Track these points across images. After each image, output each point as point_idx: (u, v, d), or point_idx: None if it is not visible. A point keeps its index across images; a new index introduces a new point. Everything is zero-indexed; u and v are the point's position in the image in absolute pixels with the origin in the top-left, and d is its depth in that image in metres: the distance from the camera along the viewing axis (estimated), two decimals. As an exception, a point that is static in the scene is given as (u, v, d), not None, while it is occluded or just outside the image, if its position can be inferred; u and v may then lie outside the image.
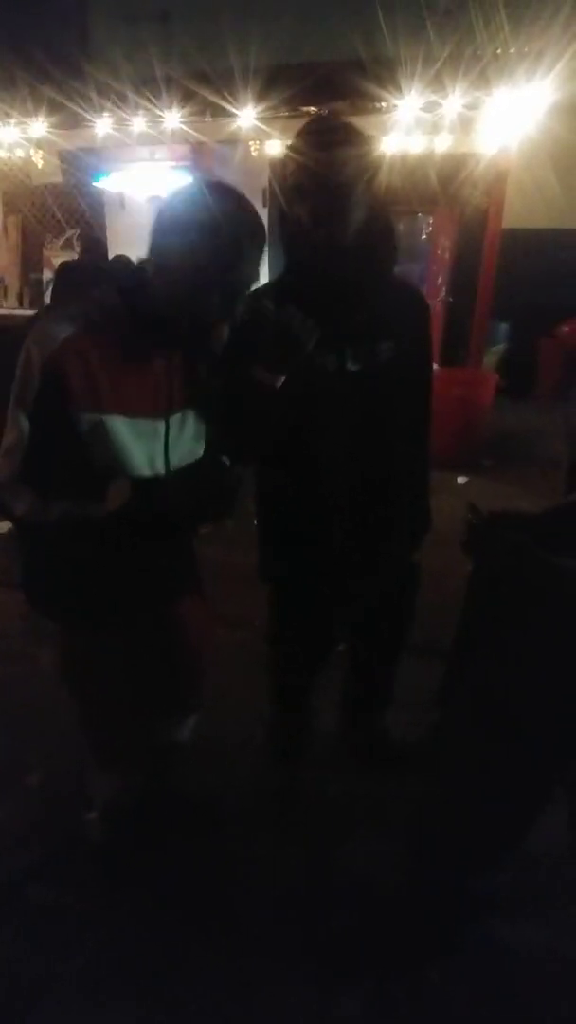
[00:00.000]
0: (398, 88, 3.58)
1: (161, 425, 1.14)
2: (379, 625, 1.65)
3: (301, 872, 1.59)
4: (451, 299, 6.88)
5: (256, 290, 1.27)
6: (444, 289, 6.93)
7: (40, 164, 5.24)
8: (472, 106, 3.88)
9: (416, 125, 4.16)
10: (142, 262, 1.08)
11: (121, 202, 6.94)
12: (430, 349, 1.42)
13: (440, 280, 7.01)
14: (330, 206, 1.16)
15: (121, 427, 1.07)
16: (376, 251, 1.25)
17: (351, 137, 1.16)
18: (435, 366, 5.06)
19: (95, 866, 1.52)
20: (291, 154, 1.17)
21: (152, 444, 1.14)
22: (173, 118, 3.97)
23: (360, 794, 1.81)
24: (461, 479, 4.42)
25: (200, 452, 1.22)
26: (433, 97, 3.63)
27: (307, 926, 1.46)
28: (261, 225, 1.02)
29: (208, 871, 1.59)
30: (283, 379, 1.17)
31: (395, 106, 3.78)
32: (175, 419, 1.15)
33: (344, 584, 1.46)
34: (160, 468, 1.15)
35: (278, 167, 6.08)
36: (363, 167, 1.16)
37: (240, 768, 1.90)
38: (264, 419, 1.21)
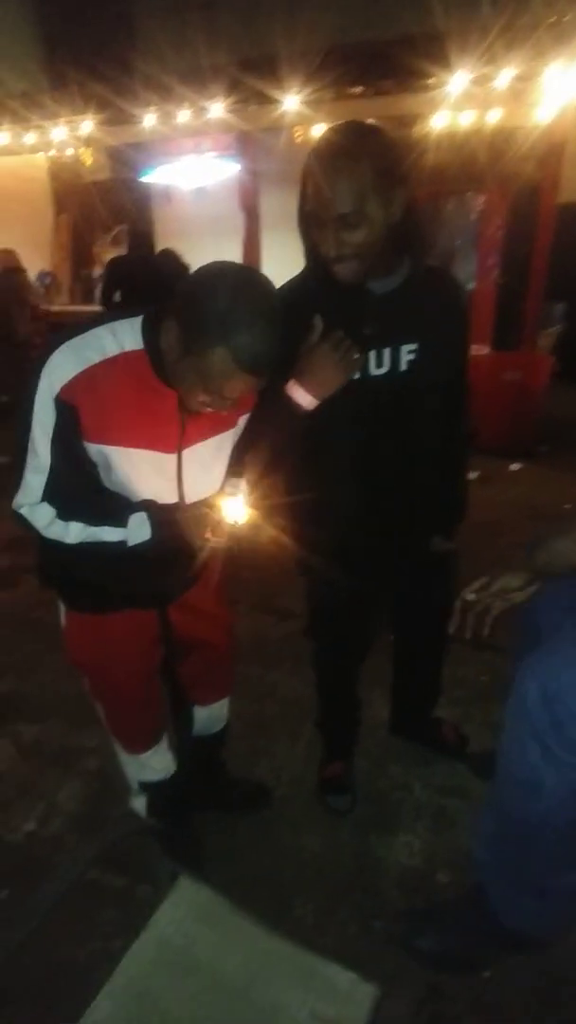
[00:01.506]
0: (448, 63, 3.46)
1: (172, 459, 1.14)
2: (417, 614, 1.63)
3: (351, 864, 1.59)
4: (503, 280, 6.66)
5: (283, 286, 1.26)
6: (496, 270, 6.71)
7: (89, 162, 5.33)
8: (525, 77, 3.72)
9: (466, 100, 4.02)
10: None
11: (167, 195, 7.00)
12: (463, 337, 1.36)
13: (491, 260, 6.79)
14: (342, 239, 1.10)
15: (126, 459, 1.09)
16: (404, 250, 1.18)
17: (366, 153, 1.05)
18: (487, 350, 4.93)
19: (153, 850, 1.55)
20: (306, 173, 1.09)
21: (162, 477, 1.15)
22: (218, 108, 3.96)
23: (409, 787, 1.79)
24: (514, 466, 4.29)
25: (217, 486, 1.22)
26: (485, 70, 3.50)
27: (359, 919, 1.45)
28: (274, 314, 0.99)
29: (259, 861, 1.60)
30: (317, 403, 1.16)
31: (445, 81, 3.65)
32: (189, 453, 1.15)
33: (374, 575, 1.45)
34: (173, 499, 1.17)
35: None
36: (382, 182, 1.06)
37: (290, 759, 1.90)
38: (293, 438, 1.21)
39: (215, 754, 1.72)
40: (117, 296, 4.31)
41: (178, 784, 1.56)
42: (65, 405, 1.01)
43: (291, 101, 3.80)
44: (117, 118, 4.17)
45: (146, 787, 1.54)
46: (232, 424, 1.22)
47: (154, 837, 1.44)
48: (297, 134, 4.71)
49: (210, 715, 1.62)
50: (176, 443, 1.13)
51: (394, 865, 1.57)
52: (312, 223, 1.12)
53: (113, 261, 4.45)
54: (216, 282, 0.97)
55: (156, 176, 6.47)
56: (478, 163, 5.67)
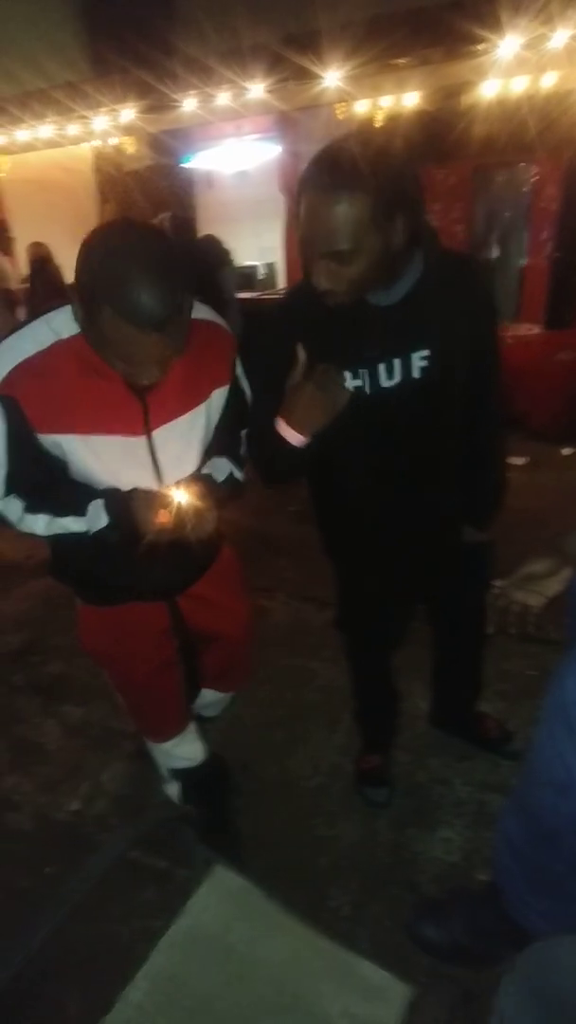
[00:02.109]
0: (500, 26, 3.28)
1: (142, 441, 1.12)
2: (452, 607, 1.59)
3: (388, 857, 1.58)
4: (557, 255, 6.37)
5: (286, 294, 1.26)
6: (549, 244, 6.42)
7: (131, 151, 5.35)
8: (582, 36, 3.50)
9: (518, 65, 3.82)
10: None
11: (209, 180, 6.97)
12: (488, 327, 1.24)
13: (544, 234, 6.50)
14: (333, 272, 1.02)
15: (87, 447, 1.07)
16: (398, 267, 1.07)
17: (364, 184, 0.94)
18: (539, 329, 4.74)
19: (189, 836, 1.58)
20: (299, 193, 1.00)
21: (136, 461, 1.12)
22: (258, 88, 3.89)
23: (449, 781, 1.76)
24: (566, 451, 4.12)
25: (195, 464, 1.21)
26: (540, 31, 3.31)
27: (395, 914, 1.44)
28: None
29: (295, 850, 1.60)
30: (306, 441, 1.13)
31: (496, 46, 3.48)
32: (161, 434, 1.13)
33: (403, 570, 1.41)
34: (152, 485, 1.14)
35: (365, 131, 5.86)
36: (382, 213, 0.96)
37: (328, 749, 1.90)
38: (293, 465, 1.19)
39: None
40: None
41: (210, 770, 1.58)
42: (7, 400, 1.01)
43: (333, 77, 3.70)
44: (158, 105, 4.16)
45: (177, 774, 1.57)
46: (204, 397, 1.18)
47: (190, 823, 1.46)
48: (340, 111, 4.60)
49: (212, 698, 1.64)
50: (142, 425, 1.10)
51: (432, 861, 1.55)
52: (304, 249, 1.04)
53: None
54: (93, 246, 0.93)
55: (197, 162, 6.45)
56: (530, 132, 5.42)
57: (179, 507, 1.08)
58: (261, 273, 6.24)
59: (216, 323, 1.22)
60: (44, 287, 4.14)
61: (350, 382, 1.15)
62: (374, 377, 1.15)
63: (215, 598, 1.41)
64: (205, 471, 1.25)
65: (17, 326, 1.07)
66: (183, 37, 3.56)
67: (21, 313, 4.56)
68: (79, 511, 1.09)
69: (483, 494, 1.44)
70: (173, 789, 1.60)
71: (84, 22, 3.63)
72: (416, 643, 2.34)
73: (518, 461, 4.02)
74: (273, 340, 1.20)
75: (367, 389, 1.15)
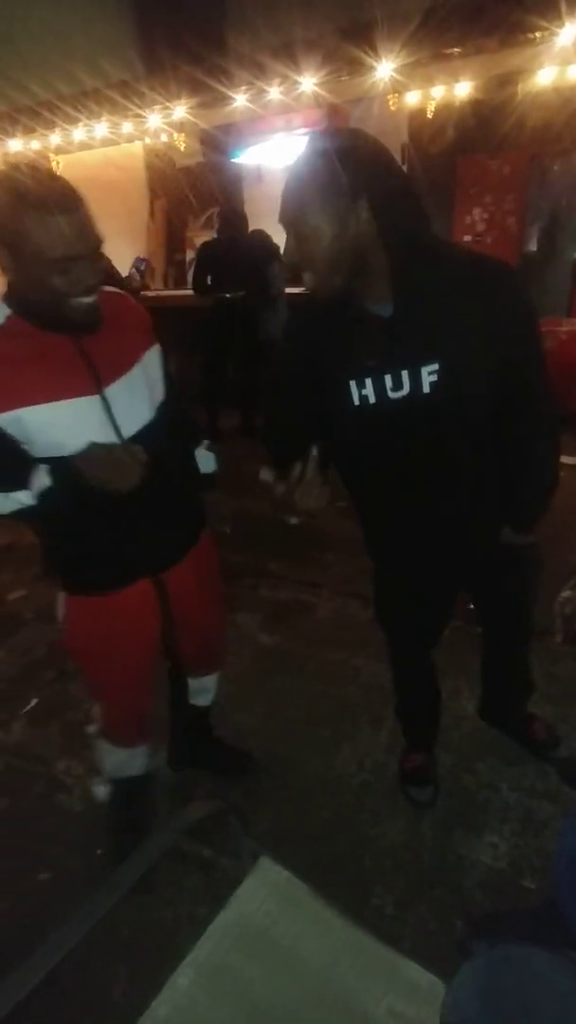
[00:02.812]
0: (559, 12, 3.18)
1: (97, 400, 1.15)
2: (496, 608, 1.57)
3: (432, 859, 1.56)
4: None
5: (298, 311, 1.24)
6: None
7: (182, 147, 5.41)
8: None
9: (575, 52, 3.69)
10: None
11: (258, 175, 6.99)
12: (520, 323, 1.12)
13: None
14: (298, 252, 1.03)
15: (48, 417, 1.10)
16: (395, 268, 1.03)
17: (314, 165, 0.97)
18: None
19: (235, 827, 1.60)
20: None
21: (95, 420, 1.16)
22: (309, 82, 3.87)
23: (496, 786, 1.73)
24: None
25: (150, 415, 1.24)
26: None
27: (440, 916, 1.43)
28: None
29: (339, 847, 1.61)
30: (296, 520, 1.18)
31: (554, 33, 3.37)
32: (114, 391, 1.17)
33: (441, 572, 1.41)
34: (113, 440, 1.18)
35: (417, 122, 5.76)
36: (330, 196, 0.96)
37: (373, 746, 1.89)
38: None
39: (199, 722, 1.76)
40: (208, 280, 4.37)
41: (144, 784, 1.60)
42: None
43: (386, 68, 3.65)
44: (209, 101, 4.19)
45: (117, 780, 1.58)
46: (137, 356, 1.24)
47: (237, 816, 1.48)
48: (392, 102, 4.54)
49: (199, 686, 1.65)
50: (95, 384, 1.15)
51: (477, 865, 1.53)
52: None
53: (204, 245, 4.50)
54: None
55: (247, 157, 6.47)
56: (591, 120, 5.23)
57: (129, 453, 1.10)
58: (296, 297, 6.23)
59: (123, 294, 1.31)
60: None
61: (356, 391, 1.12)
62: (380, 387, 1.11)
63: (199, 579, 1.43)
64: (196, 461, 1.42)
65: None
66: (235, 33, 3.57)
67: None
68: (25, 480, 1.11)
69: (523, 502, 1.37)
70: (101, 790, 1.62)
71: (138, 21, 3.68)
72: (462, 643, 2.31)
73: (570, 461, 3.90)
74: (289, 347, 1.26)
75: (372, 399, 1.11)
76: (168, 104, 4.33)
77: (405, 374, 1.09)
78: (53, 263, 1.04)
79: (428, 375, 1.08)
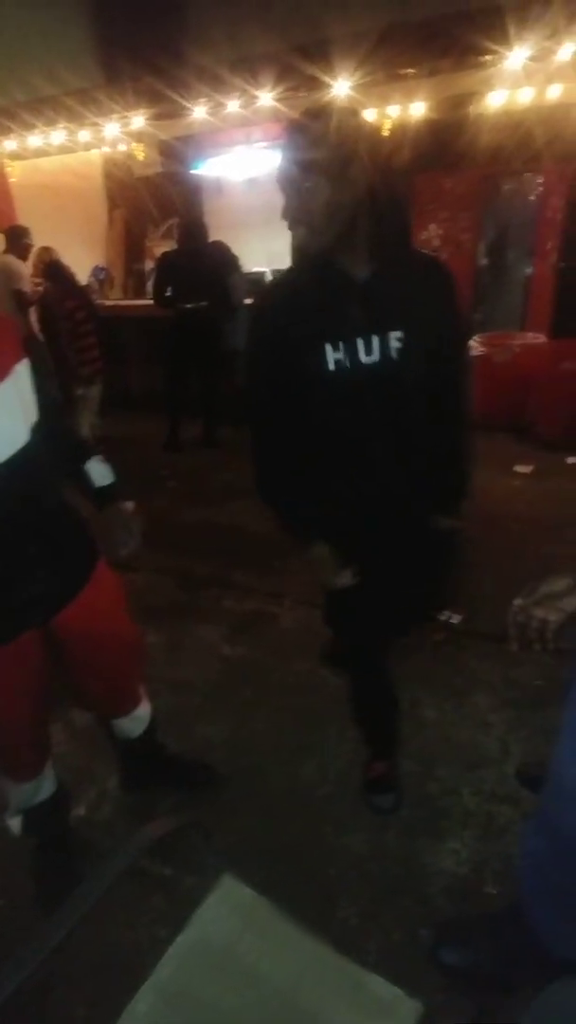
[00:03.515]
0: (508, 38, 3.31)
1: None
2: (414, 590, 1.59)
3: (397, 868, 1.56)
4: (563, 264, 6.38)
5: (272, 282, 1.30)
6: (555, 254, 6.44)
7: (141, 157, 5.39)
8: (591, 48, 3.52)
9: (525, 76, 3.84)
10: None
11: (218, 187, 7.01)
12: (451, 325, 1.31)
13: (550, 244, 6.52)
14: (299, 206, 1.12)
15: None
16: (374, 240, 1.17)
17: (316, 125, 1.09)
18: (544, 338, 4.73)
19: (198, 844, 1.57)
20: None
21: None
22: (268, 97, 3.92)
23: (458, 791, 1.75)
24: (572, 459, 4.11)
25: (25, 437, 1.13)
26: (546, 44, 3.33)
27: (405, 926, 1.43)
28: None
29: (304, 860, 1.59)
30: None
31: (504, 57, 3.50)
32: None
33: (374, 555, 1.44)
34: None
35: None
36: (334, 155, 1.08)
37: (337, 757, 1.89)
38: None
39: (149, 749, 1.71)
40: (168, 291, 4.35)
41: (57, 802, 1.53)
42: None
43: (343, 86, 3.72)
44: (169, 112, 4.19)
45: (26, 810, 1.49)
46: (8, 371, 1.12)
47: (200, 832, 1.46)
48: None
49: (127, 724, 1.59)
50: None
51: (441, 872, 1.54)
52: (281, 190, 1.14)
53: (164, 256, 4.48)
54: None
55: (207, 168, 6.49)
56: (536, 142, 5.44)
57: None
58: (270, 279, 6.27)
59: None
60: (57, 288, 4.15)
61: (331, 355, 1.20)
62: (354, 352, 1.20)
63: (95, 618, 1.31)
64: (89, 476, 1.32)
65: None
66: (194, 46, 3.59)
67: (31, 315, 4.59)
68: None
69: (449, 486, 1.49)
70: (15, 822, 1.50)
71: (97, 30, 3.66)
72: (422, 653, 2.34)
73: (524, 470, 4.02)
74: (263, 328, 1.28)
75: (347, 363, 1.21)
76: (126, 114, 4.32)
77: (376, 340, 1.20)
78: None
79: (395, 342, 1.20)
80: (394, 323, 1.20)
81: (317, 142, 1.08)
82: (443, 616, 2.50)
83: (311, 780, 1.82)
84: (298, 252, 1.23)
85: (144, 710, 1.63)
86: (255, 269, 5.91)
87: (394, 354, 1.21)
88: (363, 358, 1.21)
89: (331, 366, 1.21)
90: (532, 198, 6.85)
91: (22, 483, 1.12)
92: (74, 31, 3.55)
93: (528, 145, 5.61)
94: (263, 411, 1.34)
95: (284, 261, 6.12)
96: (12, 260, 4.75)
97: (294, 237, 1.17)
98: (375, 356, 1.21)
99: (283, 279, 1.32)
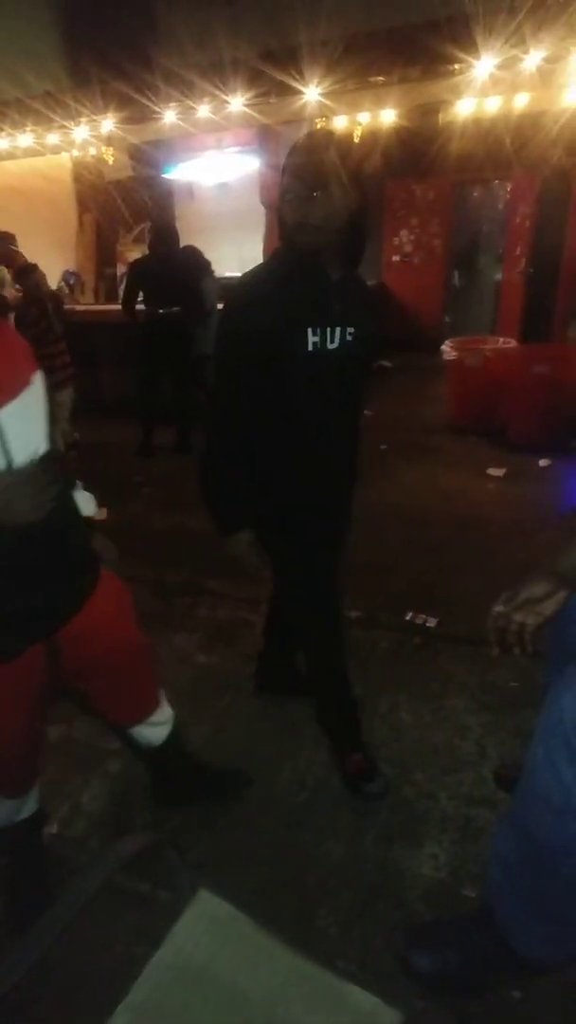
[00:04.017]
0: (475, 46, 3.36)
1: None
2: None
3: (376, 874, 1.56)
4: (531, 270, 6.51)
5: (250, 272, 1.48)
6: (523, 260, 6.56)
7: (111, 161, 5.34)
8: (554, 59, 3.60)
9: (493, 85, 3.91)
10: None
11: (190, 192, 7.00)
12: (377, 332, 1.63)
13: (519, 250, 6.65)
14: (307, 211, 1.33)
15: None
16: (349, 249, 1.43)
17: (333, 146, 1.32)
18: (514, 342, 4.82)
19: (173, 859, 1.55)
20: (286, 164, 1.36)
21: None
22: (238, 102, 3.92)
23: (435, 795, 1.75)
24: (543, 462, 4.18)
25: (44, 446, 1.11)
26: (513, 52, 3.39)
27: (384, 932, 1.43)
28: None
29: (282, 868, 1.58)
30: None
31: (471, 66, 3.55)
32: (5, 412, 1.04)
33: (329, 527, 1.69)
34: (2, 466, 1.05)
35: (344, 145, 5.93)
36: (343, 171, 1.31)
37: (314, 763, 1.88)
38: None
39: (176, 759, 1.67)
40: (140, 296, 4.31)
41: (36, 822, 1.50)
42: None
43: (313, 92, 3.74)
44: (138, 116, 4.17)
45: (5, 829, 1.45)
46: (27, 381, 1.11)
47: (174, 847, 1.43)
48: (319, 126, 4.65)
49: (146, 731, 1.56)
50: None
51: (419, 877, 1.53)
52: (286, 202, 1.35)
53: (134, 264, 4.45)
54: None
55: (178, 173, 6.48)
56: (505, 150, 5.54)
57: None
58: (244, 272, 6.27)
59: (4, 320, 1.27)
60: (29, 292, 4.08)
61: (311, 338, 1.41)
62: (324, 338, 1.42)
63: (101, 625, 1.29)
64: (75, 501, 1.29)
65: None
66: (164, 50, 3.57)
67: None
68: None
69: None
70: None
71: (63, 33, 3.63)
72: (400, 656, 2.34)
73: (497, 473, 4.08)
74: (252, 311, 1.42)
75: (319, 346, 1.42)
76: (95, 117, 4.28)
77: (339, 330, 1.44)
78: None
79: (349, 335, 1.46)
80: (352, 319, 1.46)
81: (325, 163, 1.31)
82: (419, 620, 2.52)
83: (288, 787, 1.80)
84: (288, 249, 1.41)
85: (164, 714, 1.58)
86: (227, 274, 5.90)
87: (348, 346, 1.46)
88: (328, 344, 1.43)
89: (309, 347, 1.41)
90: (501, 205, 6.98)
91: (42, 505, 1.10)
92: (39, 34, 3.52)
93: (497, 153, 5.71)
94: (229, 389, 1.49)
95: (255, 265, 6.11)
96: None
97: (295, 236, 1.37)
98: (336, 344, 1.44)
99: (261, 272, 1.49)
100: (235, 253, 6.38)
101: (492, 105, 4.77)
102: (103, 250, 7.12)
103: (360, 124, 5.07)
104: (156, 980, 0.99)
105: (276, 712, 2.09)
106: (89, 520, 1.35)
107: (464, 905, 1.46)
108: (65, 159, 6.33)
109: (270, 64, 3.48)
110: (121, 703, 1.49)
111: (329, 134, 1.40)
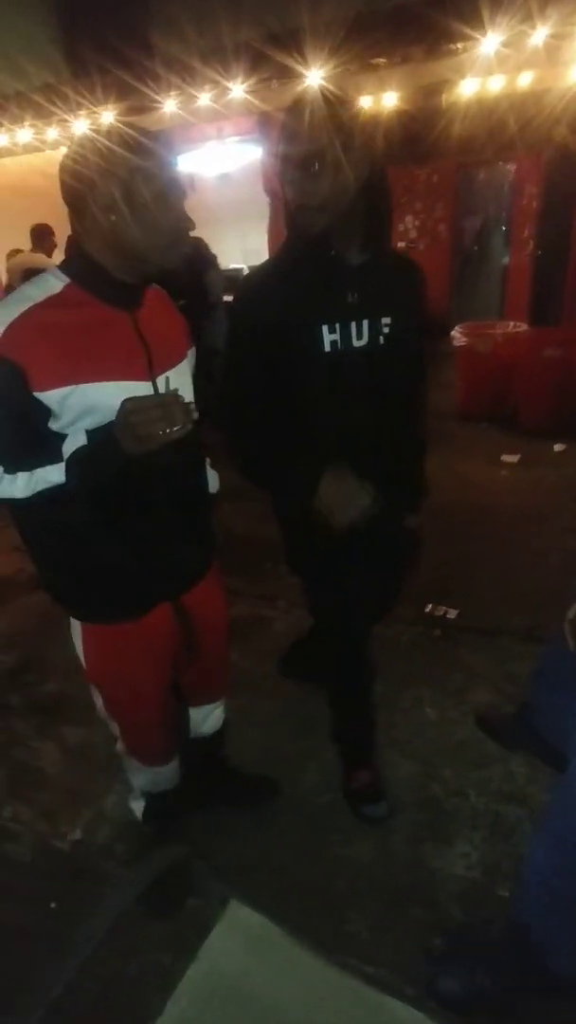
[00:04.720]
0: (481, 22, 3.27)
1: (147, 387, 1.09)
2: (372, 590, 1.59)
3: (406, 876, 1.53)
4: (539, 252, 6.39)
5: (261, 265, 1.35)
6: (531, 242, 6.44)
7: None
8: (561, 36, 3.50)
9: (498, 63, 3.81)
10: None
11: (191, 183, 6.91)
12: (425, 320, 1.41)
13: (526, 233, 6.53)
14: (305, 190, 1.15)
15: (92, 396, 1.02)
16: (367, 227, 1.23)
17: (320, 108, 1.12)
18: (524, 326, 4.73)
19: (202, 868, 1.52)
20: (280, 127, 1.18)
21: None
22: (240, 89, 3.84)
23: (464, 792, 1.71)
24: (558, 447, 4.11)
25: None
26: (520, 28, 3.30)
27: (417, 936, 1.39)
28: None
29: (310, 872, 1.55)
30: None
31: (476, 44, 3.46)
32: (162, 380, 1.11)
33: (363, 552, 1.43)
34: None
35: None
36: (342, 135, 1.11)
37: (338, 763, 1.84)
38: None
39: (213, 754, 1.68)
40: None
41: (178, 791, 1.54)
42: (3, 360, 0.97)
43: (316, 76, 3.66)
44: (139, 106, 4.10)
45: (149, 795, 1.52)
46: (184, 351, 1.23)
47: (201, 859, 1.41)
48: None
49: (204, 716, 1.58)
50: (146, 370, 1.09)
51: (451, 878, 1.50)
52: (284, 174, 1.17)
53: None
54: (67, 158, 1.03)
55: (179, 164, 6.40)
56: (510, 130, 5.43)
57: (175, 400, 0.99)
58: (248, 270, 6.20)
59: (165, 292, 1.27)
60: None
61: (327, 336, 1.23)
62: (347, 335, 1.24)
63: (213, 601, 1.38)
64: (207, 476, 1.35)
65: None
66: (164, 36, 3.50)
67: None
68: (57, 456, 1.02)
69: (417, 484, 1.55)
70: (138, 806, 1.56)
71: (62, 21, 3.56)
72: (423, 651, 2.30)
73: (511, 459, 4.01)
74: (255, 307, 1.28)
75: (340, 345, 1.24)
76: (95, 109, 4.21)
77: (366, 324, 1.25)
78: (151, 213, 1.01)
79: (383, 327, 1.26)
80: (384, 309, 1.26)
81: (320, 127, 1.10)
82: (439, 612, 2.47)
83: (312, 788, 1.77)
84: (296, 236, 1.24)
85: (223, 706, 1.63)
86: (232, 266, 5.84)
87: (382, 339, 1.26)
88: (355, 341, 1.25)
89: (327, 347, 1.24)
90: (507, 188, 6.86)
91: (188, 456, 1.19)
92: (38, 24, 3.45)
93: (502, 133, 5.60)
94: (249, 385, 1.32)
95: (260, 257, 6.10)
96: (46, 260, 4.66)
97: (297, 220, 1.20)
98: (364, 340, 1.26)
99: (269, 265, 1.34)
100: (239, 245, 6.31)
101: (496, 85, 4.66)
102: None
103: (363, 108, 4.98)
104: (191, 995, 0.96)
105: (297, 710, 2.05)
106: (213, 500, 1.42)
107: (498, 905, 1.42)
108: (61, 156, 6.26)
109: (273, 47, 3.40)
110: (208, 679, 1.52)
111: (322, 92, 1.14)
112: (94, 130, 1.03)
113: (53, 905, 1.50)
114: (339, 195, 1.15)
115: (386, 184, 1.25)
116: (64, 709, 2.14)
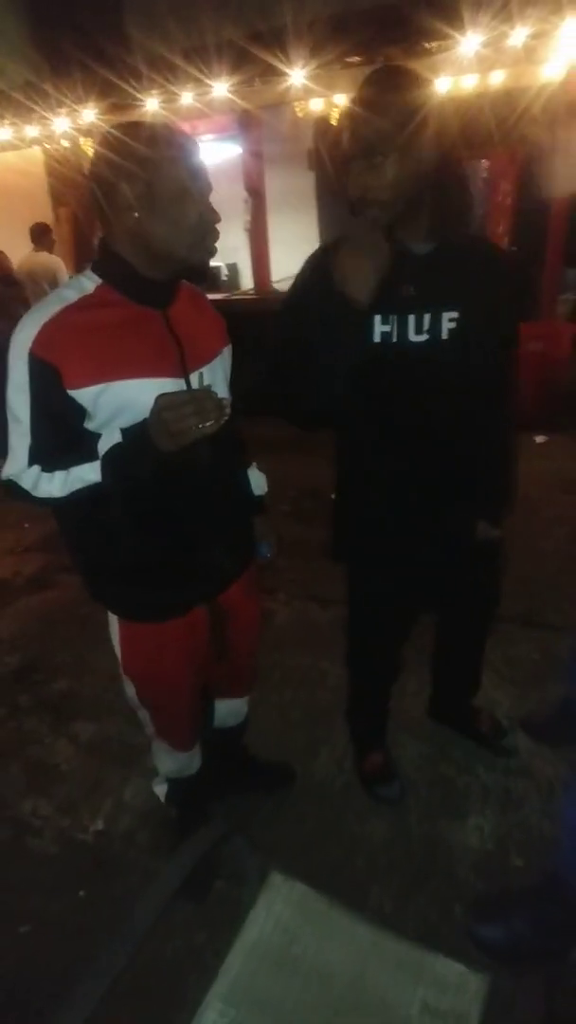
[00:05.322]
0: (462, 22, 3.34)
1: (180, 384, 1.10)
2: (459, 604, 1.59)
3: (423, 850, 1.59)
4: (514, 248, 6.52)
5: (319, 249, 1.23)
6: (506, 238, 6.56)
7: (91, 152, 5.24)
8: (540, 35, 3.59)
9: (478, 62, 3.88)
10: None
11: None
12: (510, 309, 1.27)
13: (501, 229, 6.64)
14: (367, 182, 1.07)
15: (126, 393, 1.03)
16: (435, 215, 1.13)
17: (403, 81, 1.05)
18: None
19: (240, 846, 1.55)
20: (342, 114, 1.12)
21: None
22: (222, 87, 3.86)
23: (473, 770, 1.78)
24: (540, 438, 4.22)
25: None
26: (501, 28, 3.37)
27: (439, 905, 1.46)
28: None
29: (330, 852, 1.60)
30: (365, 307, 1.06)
31: (457, 43, 3.53)
32: (195, 378, 1.11)
33: (421, 558, 1.38)
34: None
35: (322, 128, 5.86)
36: (409, 124, 1.02)
37: (351, 747, 1.90)
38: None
39: (234, 745, 1.72)
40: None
41: (200, 777, 1.58)
42: (38, 360, 0.99)
43: (298, 75, 3.70)
44: (120, 104, 4.08)
45: (172, 779, 1.57)
46: (218, 348, 1.21)
47: (241, 835, 1.45)
48: (299, 109, 4.60)
49: (229, 709, 1.62)
50: (180, 367, 1.10)
51: (466, 850, 1.57)
52: (346, 165, 1.09)
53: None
54: (97, 157, 1.02)
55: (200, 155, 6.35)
56: (485, 128, 5.52)
57: (208, 395, 0.98)
58: (224, 273, 6.19)
59: (200, 290, 1.27)
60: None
61: (379, 327, 1.15)
62: (403, 328, 1.15)
63: (247, 600, 1.40)
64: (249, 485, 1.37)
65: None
66: (146, 33, 3.50)
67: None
68: (93, 455, 1.03)
69: (500, 488, 1.44)
70: (161, 789, 1.61)
71: (41, 17, 3.52)
72: (431, 635, 2.36)
73: (541, 439, 4.10)
74: (312, 288, 1.16)
75: (394, 337, 1.15)
76: (76, 107, 4.19)
77: (427, 317, 1.15)
78: (193, 198, 1.01)
79: (448, 321, 1.15)
80: (450, 302, 1.15)
81: (386, 114, 1.02)
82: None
83: (327, 773, 1.83)
84: (357, 223, 1.12)
85: (247, 702, 1.66)
86: (211, 264, 5.83)
87: (445, 334, 1.16)
88: (412, 335, 1.15)
89: (376, 338, 1.15)
90: (482, 184, 6.96)
91: (225, 454, 1.18)
92: (17, 22, 3.42)
93: (477, 131, 5.68)
94: (301, 353, 1.13)
95: (238, 256, 6.08)
96: (51, 257, 4.65)
97: (359, 211, 1.10)
98: (425, 335, 1.16)
99: (329, 243, 1.21)
100: (219, 243, 6.29)
101: (471, 83, 4.74)
102: (81, 245, 6.97)
103: (337, 107, 5.02)
104: (241, 966, 1.00)
105: (305, 698, 2.11)
106: (262, 502, 1.43)
107: (514, 874, 1.50)
108: (37, 152, 6.18)
109: (257, 45, 3.42)
110: (239, 675, 1.55)
111: (398, 73, 1.06)
112: (111, 128, 1.03)
113: (82, 893, 1.53)
114: (402, 188, 1.07)
115: (460, 169, 1.16)
116: (74, 706, 2.16)
